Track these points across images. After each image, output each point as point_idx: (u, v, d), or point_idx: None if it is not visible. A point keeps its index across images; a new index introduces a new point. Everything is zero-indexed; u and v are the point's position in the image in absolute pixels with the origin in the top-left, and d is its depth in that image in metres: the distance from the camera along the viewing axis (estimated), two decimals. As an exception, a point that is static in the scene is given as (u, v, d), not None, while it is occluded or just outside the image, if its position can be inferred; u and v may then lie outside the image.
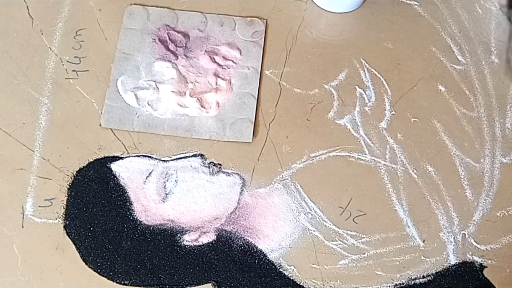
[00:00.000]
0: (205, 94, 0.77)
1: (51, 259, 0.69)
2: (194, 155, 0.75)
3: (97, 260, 0.70)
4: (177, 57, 0.79)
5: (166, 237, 0.71)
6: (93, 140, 0.75)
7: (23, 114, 0.76)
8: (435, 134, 0.77)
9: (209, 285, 0.69)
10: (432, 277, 0.70)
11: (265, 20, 0.82)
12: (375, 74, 0.80)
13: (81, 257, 0.70)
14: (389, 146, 0.76)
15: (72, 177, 0.73)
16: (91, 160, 0.74)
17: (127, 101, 0.77)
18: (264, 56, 0.80)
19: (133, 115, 0.76)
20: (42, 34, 0.80)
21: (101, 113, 0.76)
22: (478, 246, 0.71)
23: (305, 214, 0.72)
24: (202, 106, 0.76)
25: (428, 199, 0.73)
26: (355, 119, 0.77)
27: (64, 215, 0.71)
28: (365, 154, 0.75)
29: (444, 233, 0.72)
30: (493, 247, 0.71)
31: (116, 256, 0.70)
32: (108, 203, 0.72)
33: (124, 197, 0.72)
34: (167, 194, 0.73)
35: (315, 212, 0.72)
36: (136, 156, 0.74)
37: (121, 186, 0.73)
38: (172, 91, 0.77)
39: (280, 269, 0.70)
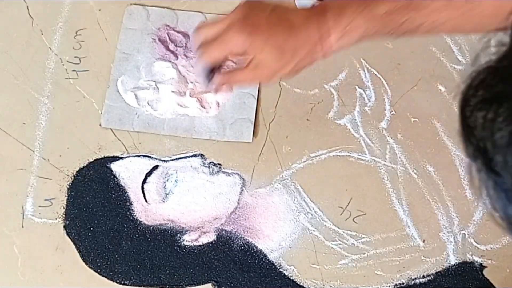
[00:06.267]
0: (205, 94, 0.77)
1: (51, 259, 0.69)
2: (194, 155, 0.75)
3: (97, 260, 0.70)
4: (177, 57, 0.79)
5: (166, 237, 0.71)
6: (93, 140, 0.75)
7: (23, 114, 0.76)
8: (435, 134, 0.77)
9: (209, 285, 0.69)
10: (432, 277, 0.70)
11: (265, 20, 0.82)
12: (375, 74, 0.80)
13: (81, 257, 0.70)
14: (389, 146, 0.76)
15: (72, 177, 0.73)
16: (91, 160, 0.74)
17: (127, 101, 0.77)
18: (264, 56, 0.80)
19: (133, 115, 0.76)
20: (42, 34, 0.80)
21: (101, 113, 0.76)
22: (478, 246, 0.71)
23: (305, 214, 0.72)
24: (202, 106, 0.76)
25: (428, 199, 0.73)
26: (355, 119, 0.77)
27: (64, 215, 0.71)
28: (365, 154, 0.75)
29: (444, 233, 0.72)
30: (493, 247, 0.71)
31: (116, 256, 0.70)
32: (108, 203, 0.72)
33: (124, 197, 0.72)
34: (167, 194, 0.73)
35: (315, 212, 0.72)
36: (136, 156, 0.74)
37: (121, 186, 0.73)
38: (172, 91, 0.76)
39: (280, 269, 0.70)
